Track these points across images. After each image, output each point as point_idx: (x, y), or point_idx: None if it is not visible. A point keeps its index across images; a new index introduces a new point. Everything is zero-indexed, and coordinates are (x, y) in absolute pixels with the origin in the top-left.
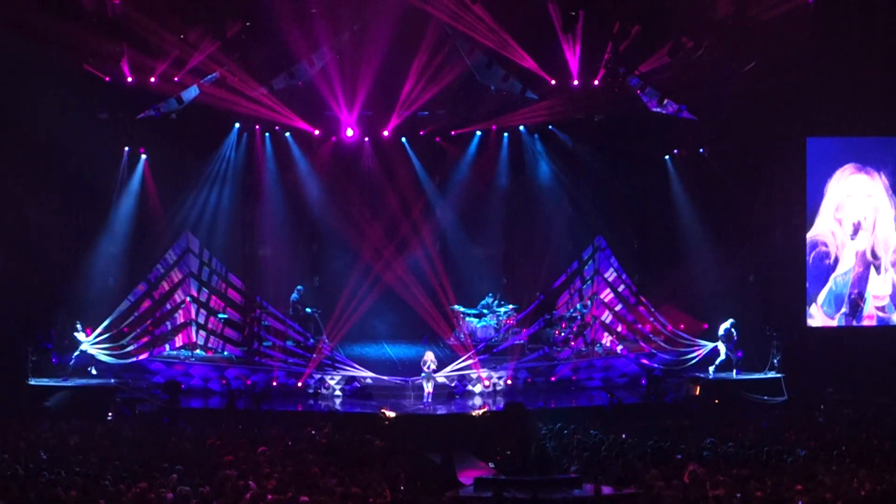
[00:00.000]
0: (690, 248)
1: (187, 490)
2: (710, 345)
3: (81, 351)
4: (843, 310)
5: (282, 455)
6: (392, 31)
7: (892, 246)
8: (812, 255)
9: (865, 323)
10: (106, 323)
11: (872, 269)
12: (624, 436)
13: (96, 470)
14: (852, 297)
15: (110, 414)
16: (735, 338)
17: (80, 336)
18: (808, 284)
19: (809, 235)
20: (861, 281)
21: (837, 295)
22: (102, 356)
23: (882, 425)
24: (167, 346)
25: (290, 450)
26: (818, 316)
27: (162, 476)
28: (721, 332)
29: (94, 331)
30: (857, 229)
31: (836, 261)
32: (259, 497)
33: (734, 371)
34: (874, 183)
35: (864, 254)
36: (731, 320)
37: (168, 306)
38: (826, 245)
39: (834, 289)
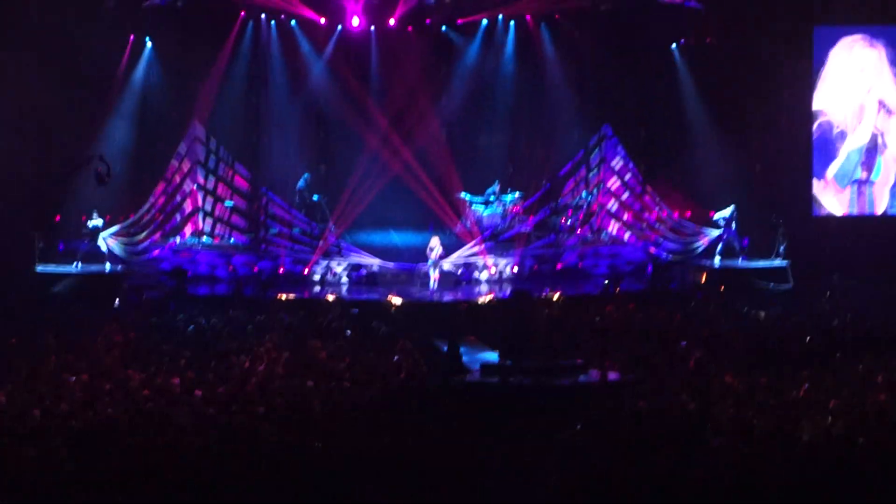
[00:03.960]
0: (697, 137)
1: (193, 375)
2: (716, 232)
3: (95, 239)
4: (852, 188)
5: (288, 341)
6: None
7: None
8: (816, 129)
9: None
10: (129, 221)
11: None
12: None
13: (103, 354)
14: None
15: (117, 300)
16: (735, 224)
17: (96, 222)
18: (815, 170)
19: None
20: (871, 158)
21: (848, 169)
22: (117, 249)
23: (889, 313)
24: (178, 239)
25: (297, 335)
26: (827, 192)
27: (169, 362)
28: (724, 217)
29: (106, 218)
30: (865, 109)
31: (844, 134)
32: (266, 382)
33: (740, 258)
34: (881, 57)
35: (874, 135)
36: (732, 206)
37: (178, 198)
38: (831, 118)
39: (842, 166)
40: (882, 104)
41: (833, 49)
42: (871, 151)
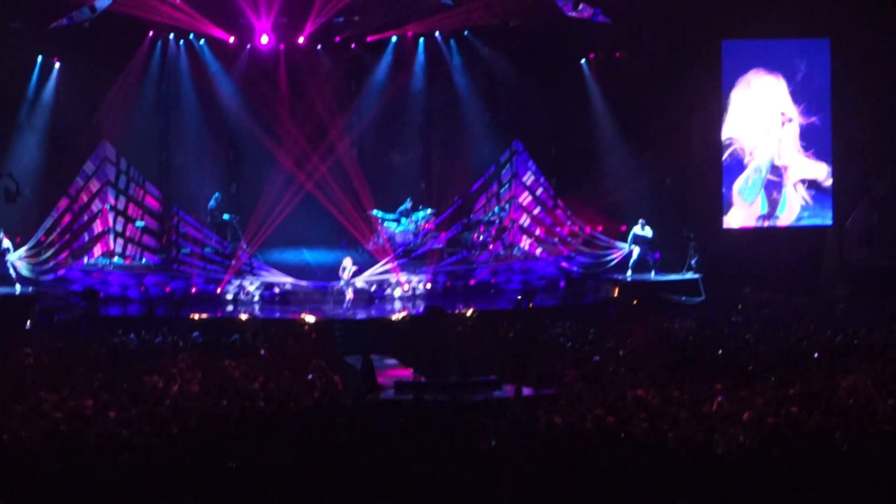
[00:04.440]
0: (608, 152)
1: (107, 397)
2: (626, 246)
3: (3, 261)
4: (762, 209)
5: (202, 361)
6: None
7: (795, 156)
8: (727, 157)
9: (781, 223)
10: (32, 241)
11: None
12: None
13: (14, 378)
14: (772, 197)
15: (29, 322)
16: (648, 238)
17: (5, 244)
18: (724, 187)
19: (723, 137)
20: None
21: (753, 184)
22: (24, 271)
23: (800, 325)
24: (86, 258)
25: (210, 355)
26: (738, 213)
27: (82, 383)
28: (634, 233)
29: (16, 240)
30: (767, 130)
31: (752, 158)
32: (180, 402)
33: (651, 272)
34: (780, 85)
35: (772, 158)
36: (640, 221)
37: (86, 217)
38: (741, 145)
39: (747, 182)
40: (783, 131)
41: (737, 82)
42: (776, 185)
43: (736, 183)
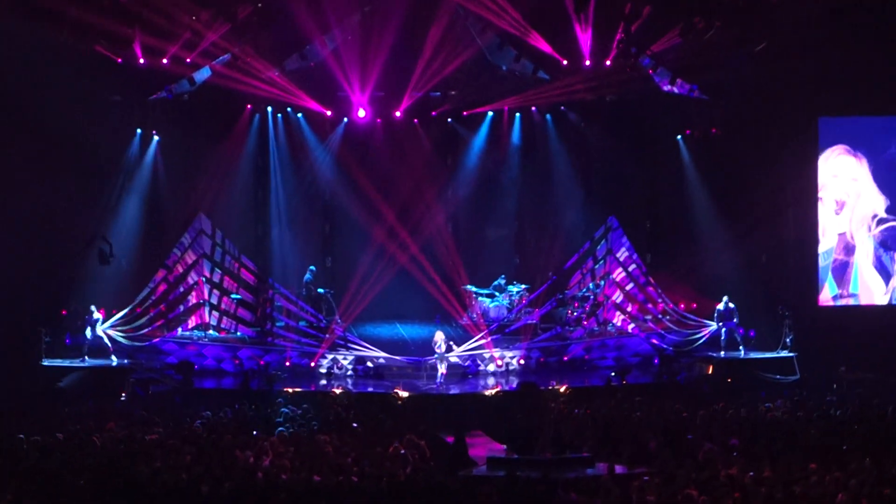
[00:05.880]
0: (703, 229)
1: (200, 471)
2: (714, 324)
3: (95, 332)
4: (831, 290)
5: (295, 434)
6: (404, 11)
7: (869, 233)
8: None
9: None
10: (127, 309)
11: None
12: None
13: (110, 451)
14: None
15: (124, 394)
16: (734, 315)
17: (95, 315)
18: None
19: None
20: (842, 265)
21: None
22: (118, 337)
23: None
24: (180, 329)
25: (304, 429)
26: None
27: (175, 456)
28: (718, 310)
29: (107, 312)
30: (841, 206)
31: (822, 237)
32: (272, 477)
33: (741, 350)
34: (861, 166)
35: (844, 235)
36: (724, 298)
37: (182, 288)
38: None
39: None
40: (854, 212)
41: (817, 161)
42: (844, 264)
43: None
